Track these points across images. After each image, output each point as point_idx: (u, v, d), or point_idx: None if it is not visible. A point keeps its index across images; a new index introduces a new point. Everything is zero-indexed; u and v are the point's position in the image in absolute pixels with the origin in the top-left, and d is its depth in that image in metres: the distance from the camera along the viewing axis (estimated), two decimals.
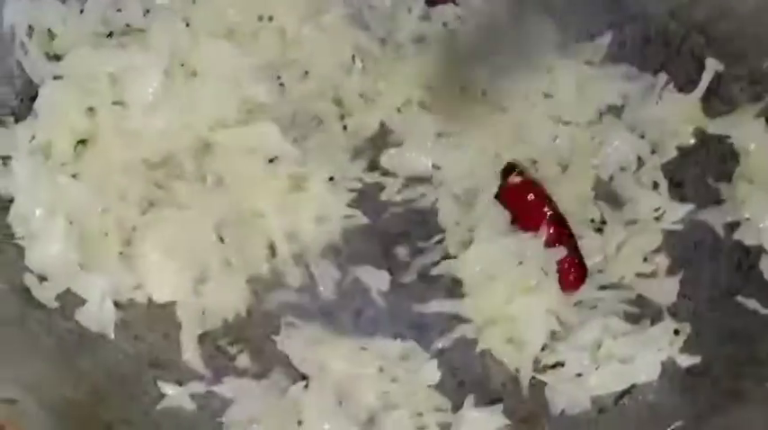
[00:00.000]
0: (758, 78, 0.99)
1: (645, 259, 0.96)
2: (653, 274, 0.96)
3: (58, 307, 0.87)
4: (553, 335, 0.91)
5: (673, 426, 0.88)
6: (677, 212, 0.98)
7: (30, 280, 0.86)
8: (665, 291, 0.95)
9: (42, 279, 0.87)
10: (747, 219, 0.96)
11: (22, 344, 0.82)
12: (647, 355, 0.90)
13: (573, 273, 0.93)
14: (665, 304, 0.94)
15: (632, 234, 0.97)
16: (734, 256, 0.97)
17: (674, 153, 1.02)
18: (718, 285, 0.95)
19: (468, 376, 0.91)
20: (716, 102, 1.01)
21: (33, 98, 0.92)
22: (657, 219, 0.98)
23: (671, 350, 0.91)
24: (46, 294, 0.87)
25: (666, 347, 0.91)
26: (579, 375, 0.90)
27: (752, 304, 0.93)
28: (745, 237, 0.96)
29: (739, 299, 0.94)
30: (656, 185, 1.00)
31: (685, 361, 0.91)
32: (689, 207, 0.98)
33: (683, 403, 0.90)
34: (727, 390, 0.89)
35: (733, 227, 0.97)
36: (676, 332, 0.91)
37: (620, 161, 1.01)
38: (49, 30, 0.95)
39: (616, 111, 1.04)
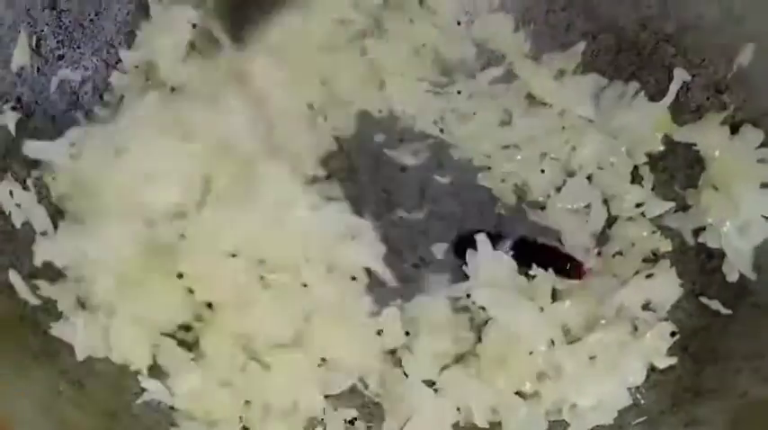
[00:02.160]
0: (723, 88, 1.01)
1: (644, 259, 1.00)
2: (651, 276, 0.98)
3: (41, 304, 0.89)
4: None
5: (635, 422, 0.91)
6: (659, 208, 1.02)
7: (14, 277, 0.88)
8: (667, 290, 0.97)
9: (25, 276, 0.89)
10: (711, 224, 0.99)
11: (7, 341, 0.84)
12: (638, 360, 0.92)
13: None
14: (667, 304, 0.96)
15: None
16: (698, 259, 1.00)
17: (643, 159, 1.05)
18: (684, 286, 0.98)
19: None
20: (684, 110, 1.04)
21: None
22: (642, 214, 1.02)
23: (657, 353, 0.93)
24: (29, 292, 0.89)
25: (655, 351, 0.93)
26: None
27: (714, 305, 0.96)
28: (709, 240, 0.99)
29: (703, 300, 0.97)
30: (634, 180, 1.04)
31: (664, 362, 0.93)
32: (670, 204, 1.02)
33: (646, 399, 0.93)
34: (689, 387, 0.92)
35: (698, 230, 1.00)
36: (673, 334, 0.94)
37: (597, 161, 1.05)
38: None
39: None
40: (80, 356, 0.88)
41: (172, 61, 1.00)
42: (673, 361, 0.93)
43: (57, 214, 0.94)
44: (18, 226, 0.92)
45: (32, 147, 0.92)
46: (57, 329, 0.88)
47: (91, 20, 1.02)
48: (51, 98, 1.00)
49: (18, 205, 0.92)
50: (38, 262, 0.91)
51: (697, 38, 1.03)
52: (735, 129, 1.00)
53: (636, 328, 0.94)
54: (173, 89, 0.99)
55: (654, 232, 1.01)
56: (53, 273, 0.91)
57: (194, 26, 1.01)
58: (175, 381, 0.89)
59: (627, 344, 0.92)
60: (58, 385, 0.84)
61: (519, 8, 1.12)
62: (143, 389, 0.89)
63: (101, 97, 1.03)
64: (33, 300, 0.89)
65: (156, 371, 0.90)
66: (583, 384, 0.91)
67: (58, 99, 1.00)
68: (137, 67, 1.04)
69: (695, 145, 1.02)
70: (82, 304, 0.91)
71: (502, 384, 0.91)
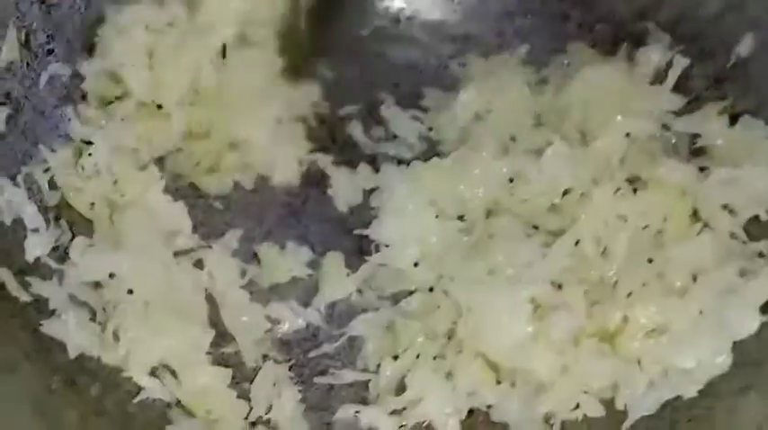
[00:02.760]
0: (723, 77, 1.00)
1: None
2: None
3: (32, 301, 0.88)
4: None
5: None
6: None
7: (4, 274, 0.87)
8: None
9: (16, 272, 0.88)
10: None
11: None
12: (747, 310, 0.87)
13: None
14: None
15: None
16: None
17: None
18: None
19: None
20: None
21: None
22: None
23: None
24: (20, 289, 0.88)
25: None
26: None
27: None
28: None
29: None
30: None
31: None
32: None
33: None
34: None
35: None
36: None
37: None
38: None
39: None
40: (72, 354, 0.87)
41: (134, 69, 0.98)
42: None
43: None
44: (8, 222, 0.91)
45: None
46: (48, 327, 0.87)
47: (81, 14, 1.01)
48: (41, 93, 0.98)
49: (9, 201, 0.91)
50: (29, 258, 0.90)
51: (695, 28, 1.02)
52: (734, 120, 0.99)
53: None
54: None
55: None
56: (45, 270, 0.91)
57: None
58: (184, 377, 0.89)
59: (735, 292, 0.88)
60: (50, 383, 0.84)
61: None
62: (138, 388, 0.88)
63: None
64: (24, 297, 0.88)
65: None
66: (687, 343, 0.88)
67: (48, 94, 0.99)
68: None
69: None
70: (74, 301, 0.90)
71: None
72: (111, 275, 0.90)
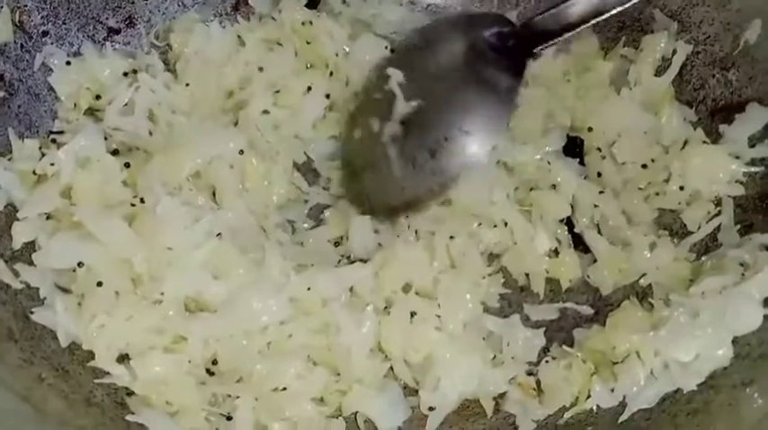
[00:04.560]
0: (729, 65, 0.99)
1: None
2: None
3: (24, 289, 0.87)
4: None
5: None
6: None
7: None
8: None
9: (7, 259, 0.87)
10: None
11: None
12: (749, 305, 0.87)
13: None
14: None
15: None
16: None
17: None
18: None
19: None
20: (688, 86, 1.02)
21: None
22: None
23: None
24: (12, 276, 0.87)
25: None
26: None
27: None
28: None
29: None
30: None
31: None
32: None
33: None
34: None
35: None
36: None
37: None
38: None
39: None
40: (63, 342, 0.86)
41: None
42: None
43: None
44: (0, 208, 0.90)
45: None
46: (39, 315, 0.86)
47: None
48: (35, 76, 0.97)
49: None
50: (16, 245, 0.89)
51: (702, 13, 1.00)
52: (741, 108, 0.97)
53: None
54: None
55: None
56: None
57: None
58: (138, 366, 0.86)
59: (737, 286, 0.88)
60: (41, 372, 0.82)
61: None
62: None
63: None
64: (16, 284, 0.87)
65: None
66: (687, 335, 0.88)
67: (43, 76, 0.97)
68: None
69: None
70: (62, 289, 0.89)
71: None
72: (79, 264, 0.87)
